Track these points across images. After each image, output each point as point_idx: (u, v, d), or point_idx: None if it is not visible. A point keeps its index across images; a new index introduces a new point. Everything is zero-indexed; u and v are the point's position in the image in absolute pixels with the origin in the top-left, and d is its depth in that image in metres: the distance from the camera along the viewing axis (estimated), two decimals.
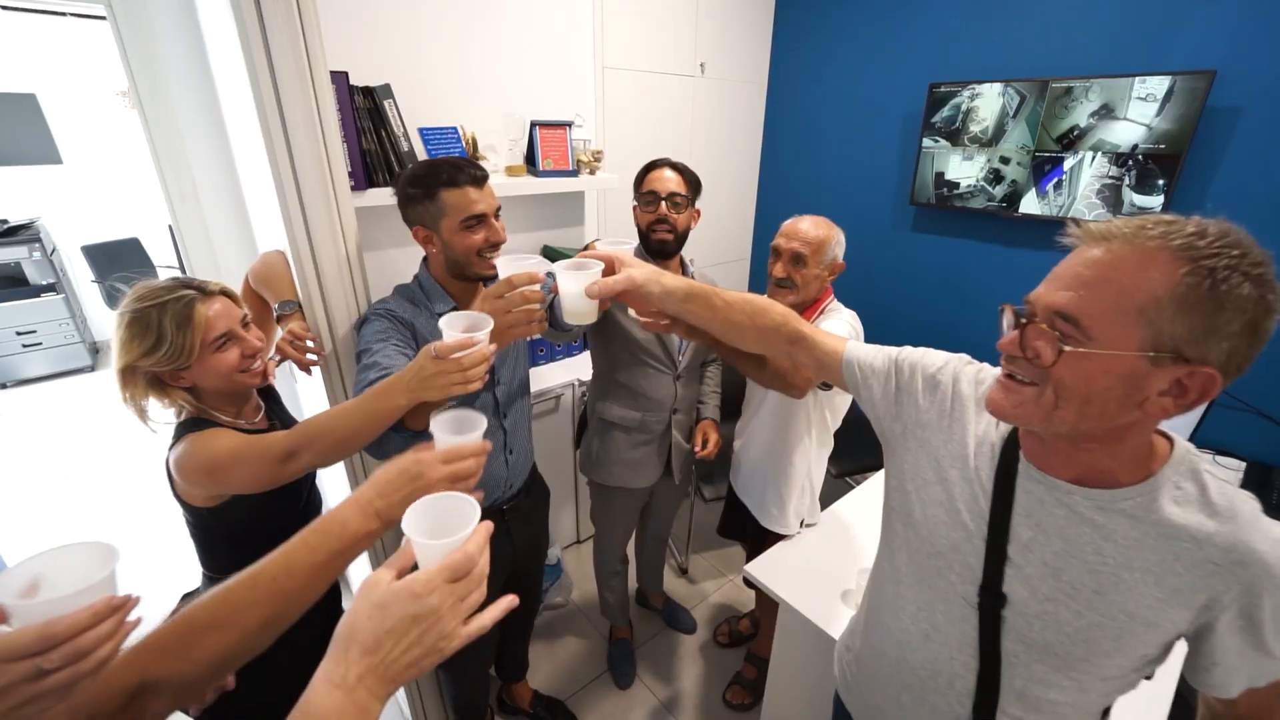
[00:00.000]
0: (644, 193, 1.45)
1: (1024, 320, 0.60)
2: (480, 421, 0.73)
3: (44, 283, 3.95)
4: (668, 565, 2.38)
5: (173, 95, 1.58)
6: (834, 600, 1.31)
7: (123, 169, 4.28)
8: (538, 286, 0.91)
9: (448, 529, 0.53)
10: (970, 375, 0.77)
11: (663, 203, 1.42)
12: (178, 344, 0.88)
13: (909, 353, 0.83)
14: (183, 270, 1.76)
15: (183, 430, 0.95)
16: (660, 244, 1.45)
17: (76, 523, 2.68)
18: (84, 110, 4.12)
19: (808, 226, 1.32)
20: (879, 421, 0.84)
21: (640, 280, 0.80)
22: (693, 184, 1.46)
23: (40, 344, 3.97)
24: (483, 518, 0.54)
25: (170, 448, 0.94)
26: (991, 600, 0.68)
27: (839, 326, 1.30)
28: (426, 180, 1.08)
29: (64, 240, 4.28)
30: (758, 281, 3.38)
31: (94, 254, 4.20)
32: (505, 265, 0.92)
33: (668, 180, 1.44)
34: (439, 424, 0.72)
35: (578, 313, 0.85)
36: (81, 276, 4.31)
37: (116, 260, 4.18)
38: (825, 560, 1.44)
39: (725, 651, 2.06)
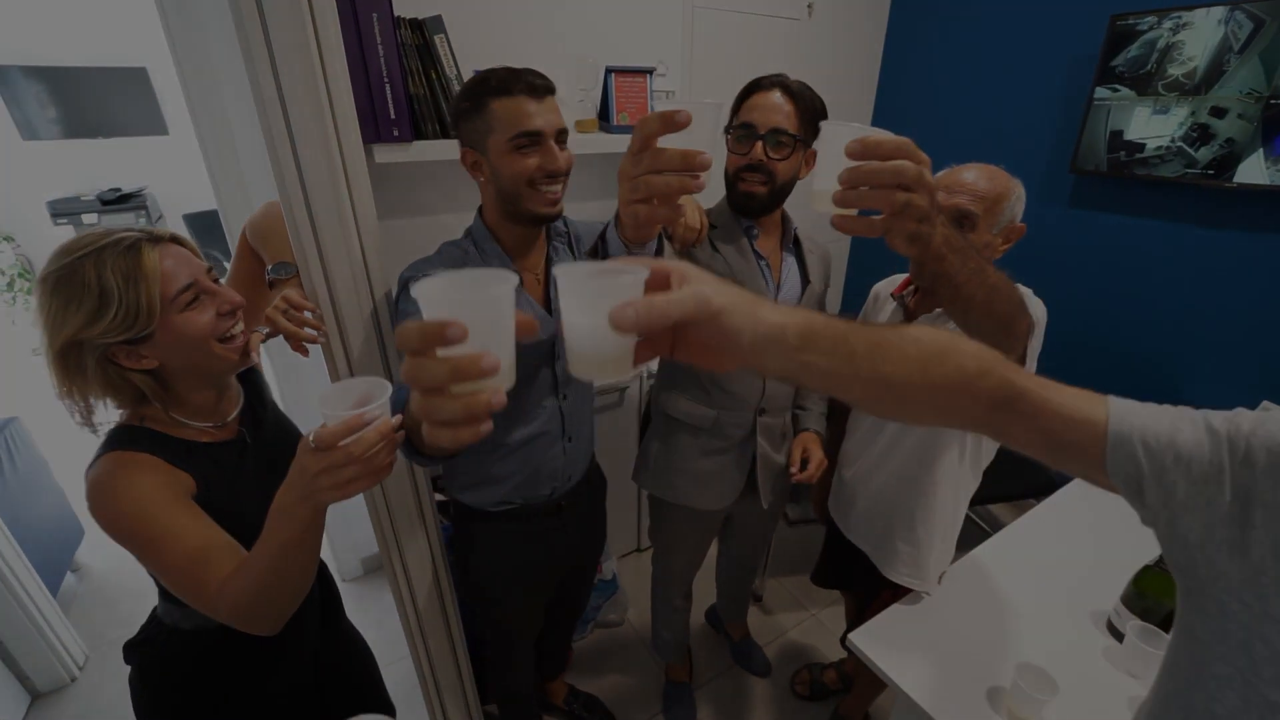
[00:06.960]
0: (738, 125, 1.07)
1: None
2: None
3: None
4: None
5: (210, 49, 1.42)
6: (978, 699, 0.96)
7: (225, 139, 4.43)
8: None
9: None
10: None
11: (759, 142, 1.04)
12: (131, 301, 0.66)
13: (1251, 422, 0.39)
14: (225, 251, 1.62)
15: (110, 442, 0.72)
16: (746, 197, 1.08)
17: None
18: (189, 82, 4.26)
19: (973, 178, 0.94)
20: (1188, 550, 0.41)
21: (718, 307, 0.38)
22: (809, 116, 1.06)
23: None
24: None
25: (92, 463, 0.71)
26: None
27: None
28: (475, 89, 0.91)
29: (169, 208, 4.51)
30: (857, 272, 2.90)
31: (194, 222, 4.43)
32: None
33: (773, 109, 1.04)
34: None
35: (595, 360, 0.40)
36: None
37: (215, 228, 4.35)
38: (960, 635, 1.08)
39: (804, 705, 1.73)
